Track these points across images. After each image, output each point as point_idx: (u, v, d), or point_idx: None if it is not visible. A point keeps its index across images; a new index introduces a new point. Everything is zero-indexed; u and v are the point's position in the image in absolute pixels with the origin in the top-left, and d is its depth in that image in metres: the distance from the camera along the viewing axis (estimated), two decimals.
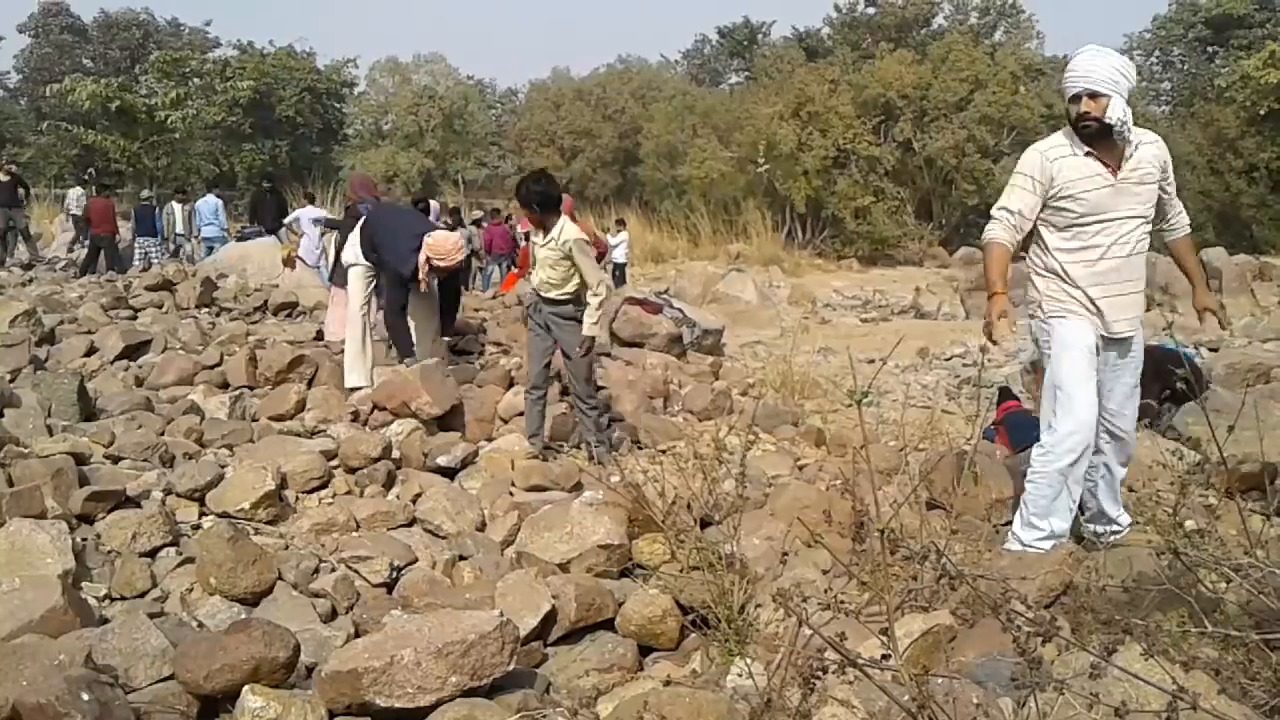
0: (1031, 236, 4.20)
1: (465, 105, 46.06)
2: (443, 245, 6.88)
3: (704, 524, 4.22)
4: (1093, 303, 4.02)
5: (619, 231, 20.62)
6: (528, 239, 20.19)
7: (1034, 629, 1.96)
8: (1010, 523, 4.25)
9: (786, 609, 2.07)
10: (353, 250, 7.29)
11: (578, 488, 5.12)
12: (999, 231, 4.08)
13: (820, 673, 2.02)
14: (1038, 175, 4.01)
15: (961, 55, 29.99)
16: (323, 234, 13.92)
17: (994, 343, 3.98)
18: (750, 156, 29.59)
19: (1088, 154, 3.96)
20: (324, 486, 5.08)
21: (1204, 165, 28.00)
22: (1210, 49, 39.58)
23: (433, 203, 17.32)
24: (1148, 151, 4.02)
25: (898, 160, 29.60)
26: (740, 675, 2.84)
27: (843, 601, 2.73)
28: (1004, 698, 2.41)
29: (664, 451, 6.00)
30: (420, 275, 6.82)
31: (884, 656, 1.94)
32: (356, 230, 7.36)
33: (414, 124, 43.73)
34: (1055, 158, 4.00)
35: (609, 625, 3.59)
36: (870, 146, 29.01)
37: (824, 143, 28.51)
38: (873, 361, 10.59)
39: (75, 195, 19.37)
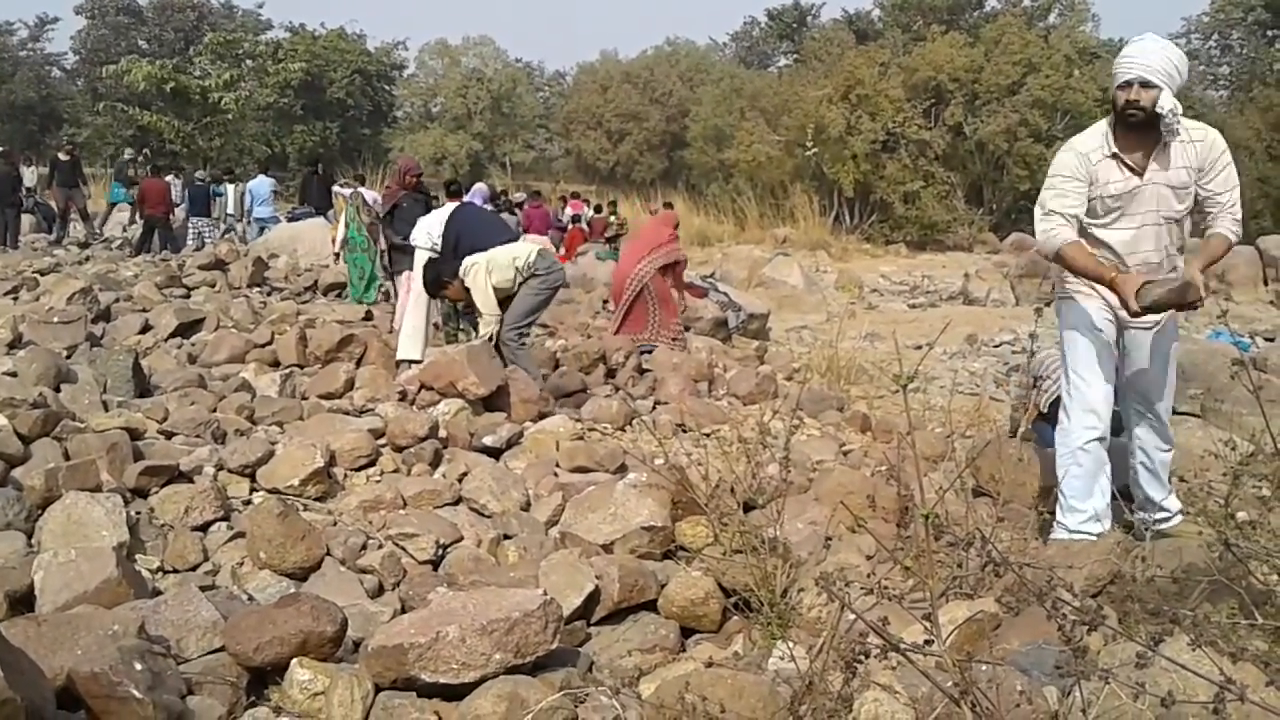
0: None
1: (513, 88, 46.17)
2: None
3: (747, 507, 4.22)
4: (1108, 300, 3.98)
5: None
6: (575, 222, 20.23)
7: (1080, 618, 1.94)
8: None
9: (829, 593, 2.07)
10: (423, 234, 7.41)
11: (622, 469, 5.13)
12: (1061, 232, 3.88)
13: (863, 657, 2.02)
14: (1077, 174, 3.92)
15: (1014, 38, 29.51)
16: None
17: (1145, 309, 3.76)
18: (798, 140, 29.35)
19: (1113, 155, 3.90)
20: (372, 464, 5.13)
21: (1262, 151, 27.31)
22: (1270, 33, 38.50)
23: (481, 185, 17.40)
24: (1186, 151, 3.90)
25: (948, 144, 29.22)
26: (782, 658, 2.84)
27: (886, 587, 2.73)
28: (1048, 686, 2.40)
29: (708, 435, 6.01)
30: None
31: (927, 642, 1.93)
32: (431, 216, 7.50)
33: (462, 106, 43.93)
34: (1099, 159, 3.93)
35: (651, 606, 3.60)
36: (920, 130, 28.66)
37: (873, 126, 28.20)
38: (920, 347, 10.51)
39: (27, 173, 19.56)
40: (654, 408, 6.86)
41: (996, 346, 11.78)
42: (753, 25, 51.33)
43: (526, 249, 6.85)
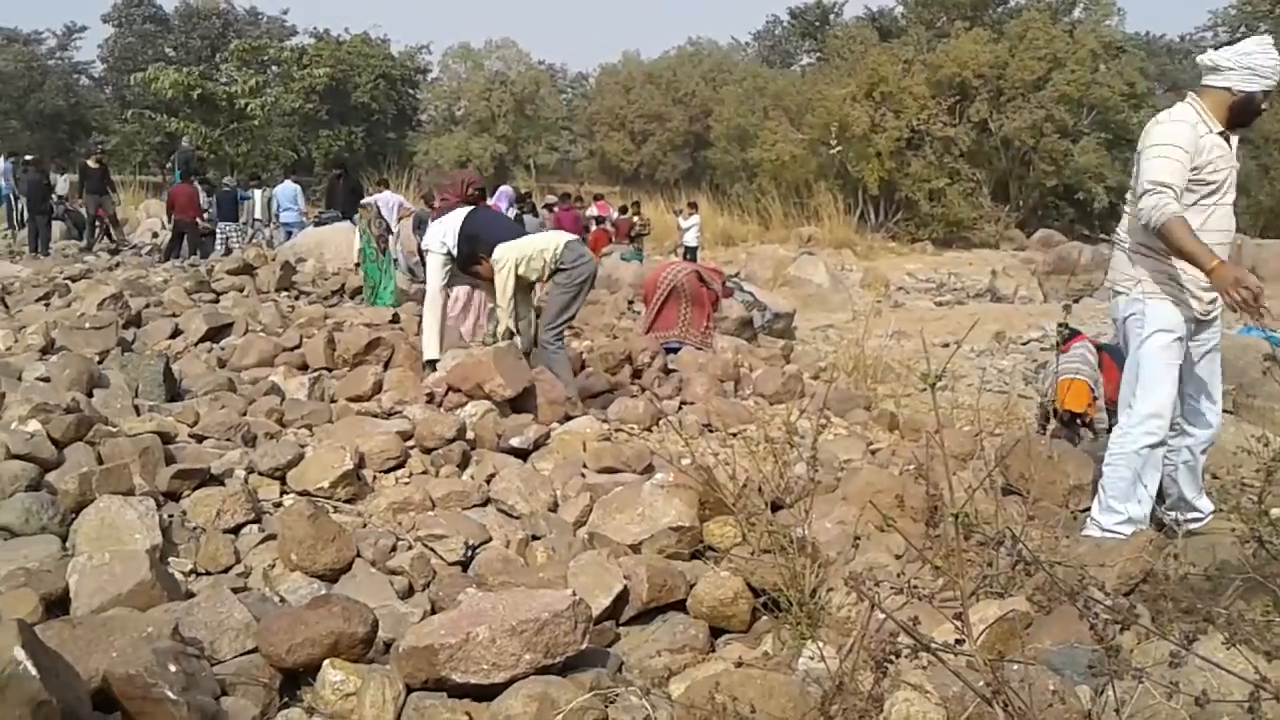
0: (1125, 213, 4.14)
1: (536, 90, 46.31)
2: None
3: (775, 507, 4.21)
4: (1197, 282, 3.94)
5: (690, 215, 20.61)
6: (599, 223, 20.26)
7: (1112, 616, 1.93)
8: (1089, 509, 4.19)
9: (859, 592, 2.07)
10: (436, 239, 7.44)
11: (649, 470, 5.13)
12: (1172, 205, 3.79)
13: (893, 656, 2.01)
14: (1189, 148, 3.87)
15: (1039, 33, 29.35)
16: (400, 219, 14.14)
17: (1257, 308, 3.61)
18: (822, 138, 29.32)
19: (1220, 133, 3.92)
20: (400, 466, 5.15)
21: None
22: None
23: (506, 188, 17.48)
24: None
25: (973, 141, 29.11)
26: (812, 658, 2.84)
27: (915, 586, 2.72)
28: (1081, 686, 2.38)
29: (735, 435, 6.00)
30: None
31: (958, 641, 1.93)
32: (446, 220, 7.55)
33: (486, 109, 44.11)
34: (1204, 133, 3.92)
35: (680, 606, 3.60)
36: (945, 127, 28.56)
37: (897, 124, 28.14)
38: (947, 345, 10.47)
39: (1, 170, 19.90)
40: (680, 408, 6.86)
41: (1025, 344, 11.71)
42: (775, 24, 51.33)
43: (556, 240, 6.83)
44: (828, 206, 27.85)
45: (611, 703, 2.80)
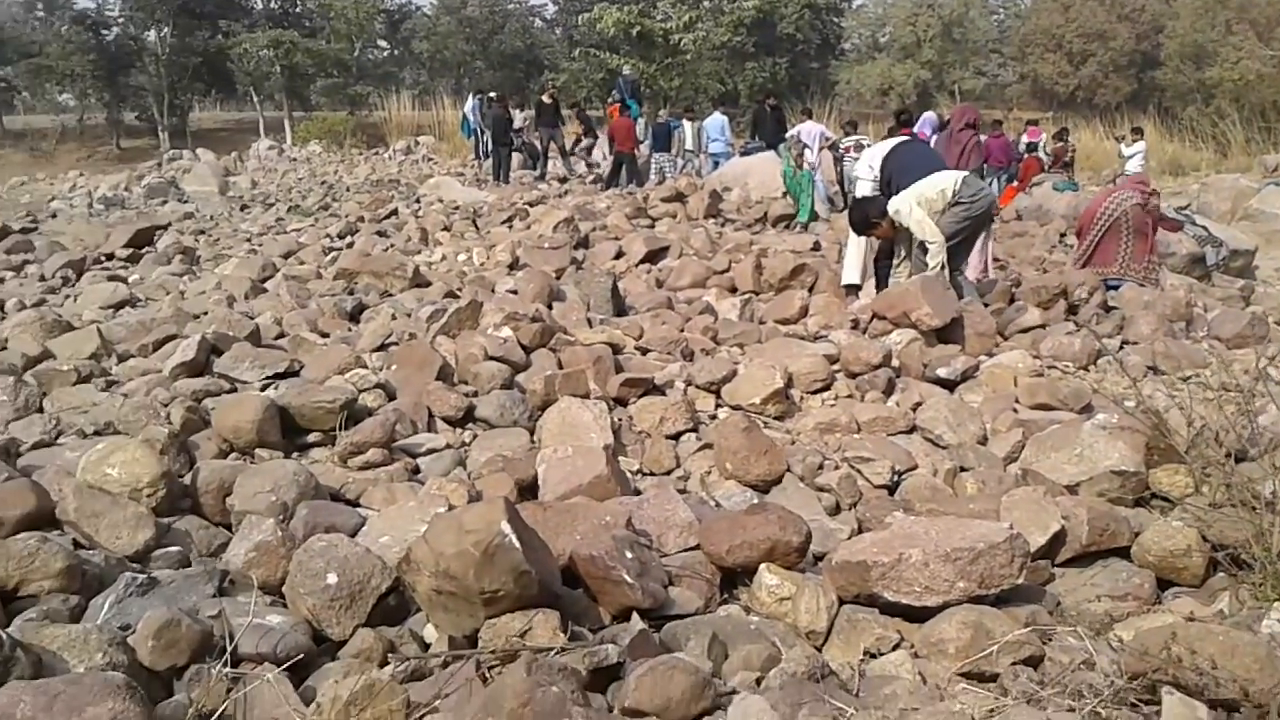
0: None
1: (965, 12, 44.12)
2: None
3: (1237, 459, 3.85)
4: None
5: (1135, 141, 18.92)
6: (1030, 151, 19.10)
7: None
8: None
9: None
10: (865, 166, 7.48)
11: (1087, 409, 4.86)
12: None
13: None
14: None
15: None
16: (820, 149, 14.18)
17: None
18: None
19: None
20: (826, 389, 5.26)
21: None
22: None
23: (930, 114, 16.96)
24: None
25: None
26: (1279, 621, 2.60)
27: None
28: None
29: (1186, 379, 5.53)
30: None
31: None
32: (875, 149, 7.56)
33: (911, 35, 42.76)
34: None
35: (1122, 553, 3.40)
36: None
37: None
38: None
39: (470, 106, 21.44)
40: (1121, 347, 6.40)
41: None
42: None
43: (952, 178, 6.85)
44: None
45: (1048, 641, 2.73)
